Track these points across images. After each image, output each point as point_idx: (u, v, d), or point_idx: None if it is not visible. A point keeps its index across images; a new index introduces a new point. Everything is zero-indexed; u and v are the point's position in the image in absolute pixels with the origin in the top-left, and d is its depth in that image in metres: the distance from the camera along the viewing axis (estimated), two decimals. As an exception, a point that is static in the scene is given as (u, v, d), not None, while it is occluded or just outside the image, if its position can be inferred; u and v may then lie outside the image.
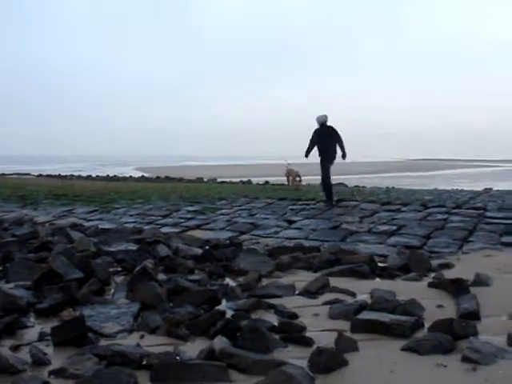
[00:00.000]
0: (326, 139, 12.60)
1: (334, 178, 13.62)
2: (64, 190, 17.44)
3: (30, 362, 3.77)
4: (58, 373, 3.56)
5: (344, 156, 12.66)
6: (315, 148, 12.88)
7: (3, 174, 36.82)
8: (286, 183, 19.19)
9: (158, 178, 34.95)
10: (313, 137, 12.90)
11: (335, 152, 12.66)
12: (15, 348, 4.08)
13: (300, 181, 18.07)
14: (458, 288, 5.22)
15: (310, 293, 5.45)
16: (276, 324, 4.39)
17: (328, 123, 12.79)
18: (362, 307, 4.78)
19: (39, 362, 3.77)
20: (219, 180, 27.92)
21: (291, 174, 18.26)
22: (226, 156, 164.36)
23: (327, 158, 12.69)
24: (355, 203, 12.53)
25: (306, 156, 13.09)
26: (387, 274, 6.39)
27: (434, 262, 6.89)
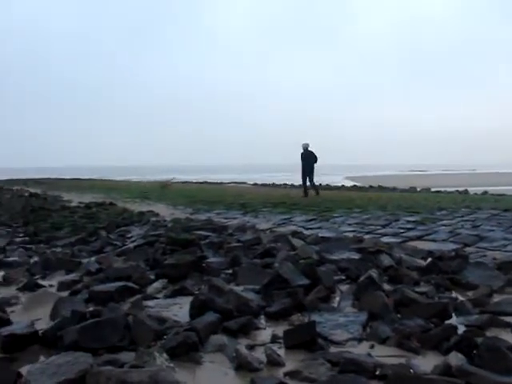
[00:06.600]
0: (307, 160, 19.05)
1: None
2: (281, 198, 18.03)
3: (265, 361, 3.96)
4: (293, 375, 3.71)
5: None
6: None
7: (222, 183, 39.23)
8: None
9: (370, 187, 34.89)
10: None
11: (313, 168, 19.23)
12: (251, 347, 4.31)
13: None
14: None
15: (552, 313, 4.98)
16: (516, 345, 4.07)
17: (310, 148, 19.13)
18: None
19: (274, 362, 3.96)
20: (433, 189, 26.85)
21: None
22: (427, 164, 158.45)
23: (308, 172, 19.21)
24: None
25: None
26: None
27: None
